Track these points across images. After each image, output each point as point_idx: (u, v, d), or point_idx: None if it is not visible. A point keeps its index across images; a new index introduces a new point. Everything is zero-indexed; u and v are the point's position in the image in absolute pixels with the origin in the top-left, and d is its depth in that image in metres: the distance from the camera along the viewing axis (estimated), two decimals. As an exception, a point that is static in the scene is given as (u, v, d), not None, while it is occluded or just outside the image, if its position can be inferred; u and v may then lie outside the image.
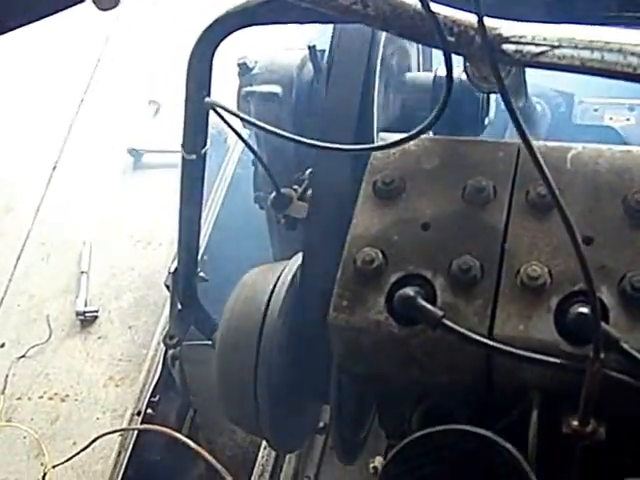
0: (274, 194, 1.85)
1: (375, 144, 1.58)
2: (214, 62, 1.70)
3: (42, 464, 2.56)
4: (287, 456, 2.52)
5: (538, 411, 1.26)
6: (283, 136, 1.44)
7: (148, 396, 2.60)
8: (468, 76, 1.36)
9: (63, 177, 3.39)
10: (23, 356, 2.84)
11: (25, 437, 2.64)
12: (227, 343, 1.70)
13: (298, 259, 1.77)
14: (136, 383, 2.68)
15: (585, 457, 1.27)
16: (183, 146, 1.86)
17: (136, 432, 2.53)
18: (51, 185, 3.35)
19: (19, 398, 2.74)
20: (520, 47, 1.21)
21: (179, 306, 2.27)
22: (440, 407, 1.37)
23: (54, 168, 3.41)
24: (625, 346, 1.16)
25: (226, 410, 1.79)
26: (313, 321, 1.50)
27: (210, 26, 1.63)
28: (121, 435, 2.53)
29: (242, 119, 1.58)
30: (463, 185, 1.41)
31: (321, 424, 2.13)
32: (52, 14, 1.30)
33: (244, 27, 1.60)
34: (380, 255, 1.35)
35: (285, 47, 2.26)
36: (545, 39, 1.18)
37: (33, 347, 2.85)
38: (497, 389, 1.32)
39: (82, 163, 3.41)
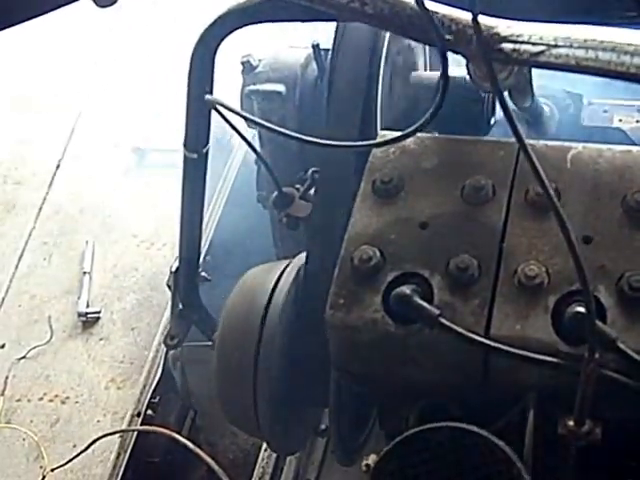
0: (276, 193, 1.85)
1: (371, 141, 1.57)
2: (216, 60, 1.71)
3: (41, 467, 2.55)
4: (288, 458, 2.50)
5: (535, 411, 1.25)
6: (286, 134, 1.44)
7: (148, 397, 2.59)
8: (470, 75, 1.36)
9: (66, 176, 3.39)
10: (23, 357, 2.83)
11: (24, 439, 2.63)
12: (226, 343, 1.70)
13: (301, 259, 1.76)
14: (138, 385, 2.67)
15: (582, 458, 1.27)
16: (185, 145, 1.86)
17: (135, 433, 2.52)
18: (54, 184, 3.36)
19: (19, 400, 2.73)
20: (518, 46, 1.21)
21: (180, 306, 2.26)
22: (437, 406, 1.36)
23: (57, 167, 3.41)
24: (622, 346, 1.16)
25: (225, 411, 1.78)
26: (314, 322, 1.49)
27: (212, 24, 1.64)
28: (120, 437, 2.52)
29: (244, 117, 1.58)
30: (462, 184, 1.40)
31: (322, 426, 2.11)
32: (53, 10, 1.31)
33: (246, 25, 1.61)
34: (378, 253, 1.34)
35: (289, 45, 2.26)
36: (542, 38, 1.18)
37: (34, 348, 2.84)
38: (493, 388, 1.31)
39: (86, 162, 3.41)
